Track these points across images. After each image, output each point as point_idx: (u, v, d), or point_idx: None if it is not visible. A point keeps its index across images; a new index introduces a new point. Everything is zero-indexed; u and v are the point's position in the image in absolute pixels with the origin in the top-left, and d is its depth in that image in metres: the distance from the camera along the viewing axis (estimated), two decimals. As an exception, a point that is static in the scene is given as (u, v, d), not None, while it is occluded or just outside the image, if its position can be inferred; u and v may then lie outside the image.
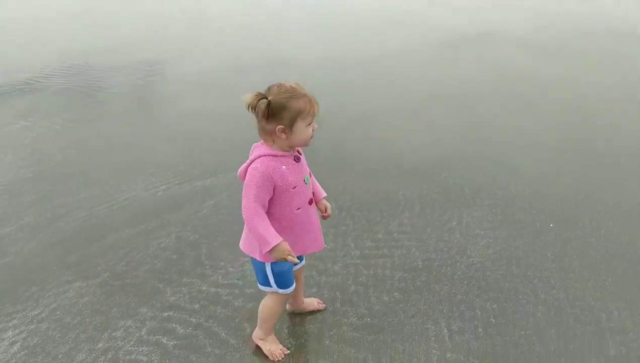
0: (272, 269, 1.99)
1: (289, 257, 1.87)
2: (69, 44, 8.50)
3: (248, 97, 1.77)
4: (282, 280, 2.03)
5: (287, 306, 2.41)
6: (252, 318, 2.36)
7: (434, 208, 3.28)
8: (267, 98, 1.76)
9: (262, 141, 1.88)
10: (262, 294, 2.15)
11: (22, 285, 2.69)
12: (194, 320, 2.40)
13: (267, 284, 2.05)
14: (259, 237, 1.85)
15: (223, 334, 2.32)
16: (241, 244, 2.05)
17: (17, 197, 3.62)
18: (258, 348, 2.22)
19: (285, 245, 1.86)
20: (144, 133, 4.73)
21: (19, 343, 2.29)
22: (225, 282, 2.65)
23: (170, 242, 3.02)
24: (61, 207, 3.44)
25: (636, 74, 6.33)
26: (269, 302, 2.13)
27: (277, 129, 1.79)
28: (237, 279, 2.66)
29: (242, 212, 1.85)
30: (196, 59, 7.24)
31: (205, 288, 2.61)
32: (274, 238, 1.85)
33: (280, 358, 2.19)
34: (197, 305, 2.49)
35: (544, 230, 3.05)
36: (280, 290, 2.05)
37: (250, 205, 1.84)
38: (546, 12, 10.64)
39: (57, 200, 3.54)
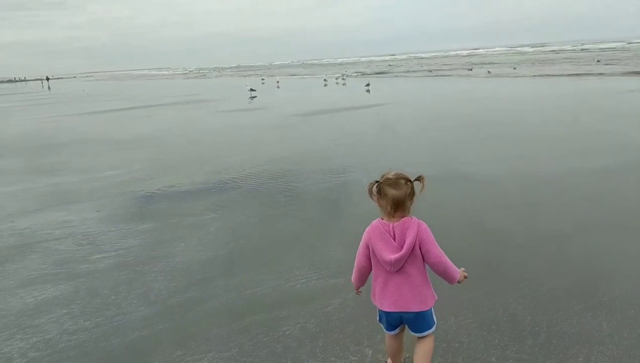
0: (433, 308, 2.60)
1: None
2: (265, 151, 10.01)
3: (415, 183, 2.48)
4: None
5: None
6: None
7: (561, 340, 3.02)
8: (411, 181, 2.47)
9: (406, 215, 2.49)
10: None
11: (173, 348, 3.24)
12: (293, 405, 2.61)
13: (432, 324, 2.62)
14: (453, 268, 2.52)
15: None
16: (417, 306, 2.52)
17: (192, 274, 4.37)
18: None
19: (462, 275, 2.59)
20: (310, 232, 5.29)
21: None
22: (330, 376, 2.83)
23: (295, 330, 3.33)
24: (220, 287, 4.07)
25: None
26: (431, 343, 2.65)
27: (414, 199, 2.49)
28: (340, 376, 2.81)
29: (441, 258, 2.47)
30: (381, 168, 7.89)
31: (310, 378, 2.82)
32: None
33: None
34: (299, 393, 2.70)
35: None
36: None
37: (442, 251, 2.49)
38: None
39: (218, 281, 4.19)
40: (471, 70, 40.79)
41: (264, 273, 4.28)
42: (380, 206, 2.51)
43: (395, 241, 2.44)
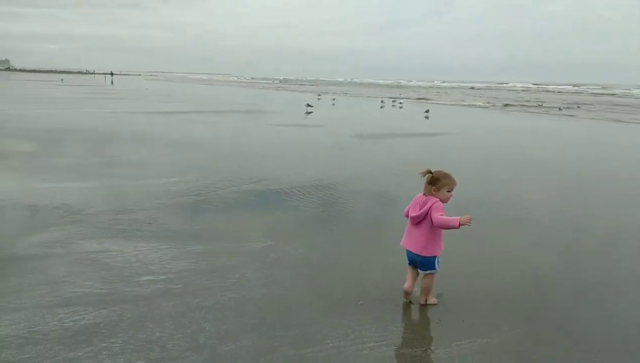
0: (437, 259, 4.04)
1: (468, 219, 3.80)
2: (323, 172, 9.54)
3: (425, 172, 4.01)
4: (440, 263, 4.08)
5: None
6: None
7: None
8: (432, 172, 3.98)
9: (428, 193, 4.03)
10: None
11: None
12: None
13: (432, 268, 4.06)
14: (450, 221, 3.80)
15: None
16: (418, 251, 4.02)
17: (245, 316, 3.91)
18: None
19: (464, 219, 3.79)
20: (365, 260, 4.76)
21: None
22: None
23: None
24: (277, 338, 3.58)
25: None
26: (427, 280, 4.12)
27: (432, 189, 3.99)
28: None
29: (438, 220, 3.84)
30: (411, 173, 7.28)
31: None
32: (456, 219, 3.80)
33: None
34: None
35: None
36: (439, 269, 4.09)
37: (442, 216, 3.84)
38: None
39: (275, 330, 3.71)
40: (541, 105, 39.25)
41: (327, 327, 3.76)
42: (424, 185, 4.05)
43: (419, 206, 3.97)
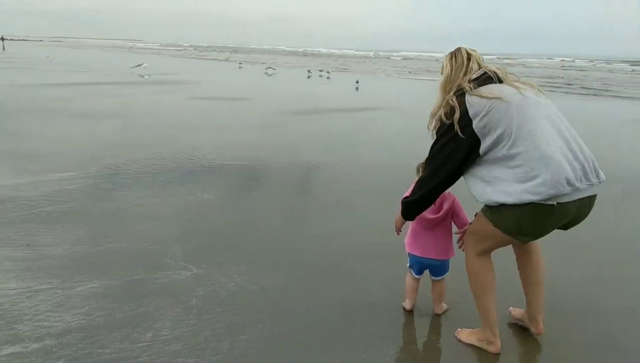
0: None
1: None
2: (248, 155, 8.17)
3: None
4: None
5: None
6: None
7: None
8: None
9: None
10: None
11: None
12: None
13: (449, 268, 3.49)
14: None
15: None
16: (451, 253, 3.41)
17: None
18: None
19: None
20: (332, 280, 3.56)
21: None
22: None
23: None
24: None
25: None
26: (444, 280, 3.53)
27: None
28: None
29: (467, 223, 3.32)
30: (360, 159, 6.21)
31: None
32: None
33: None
34: None
35: None
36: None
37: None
38: None
39: None
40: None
41: None
42: None
43: (435, 205, 3.24)
